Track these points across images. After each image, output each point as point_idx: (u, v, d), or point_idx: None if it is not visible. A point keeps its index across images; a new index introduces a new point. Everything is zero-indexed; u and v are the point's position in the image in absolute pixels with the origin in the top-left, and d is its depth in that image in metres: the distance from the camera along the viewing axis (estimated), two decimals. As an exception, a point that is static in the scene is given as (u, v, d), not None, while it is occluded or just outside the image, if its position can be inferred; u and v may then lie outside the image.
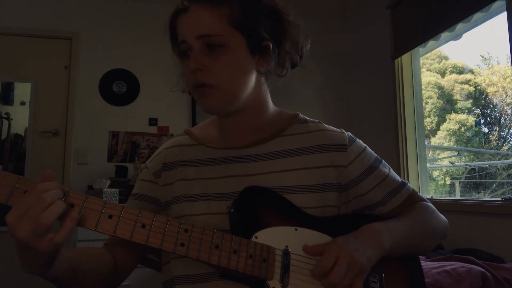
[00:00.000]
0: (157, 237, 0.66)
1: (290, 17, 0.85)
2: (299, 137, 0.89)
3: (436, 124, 3.17)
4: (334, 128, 0.93)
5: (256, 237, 0.73)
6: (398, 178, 0.92)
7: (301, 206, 0.81)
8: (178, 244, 0.67)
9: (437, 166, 3.19)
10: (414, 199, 0.92)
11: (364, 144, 0.92)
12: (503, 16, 2.24)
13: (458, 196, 2.86)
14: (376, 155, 0.93)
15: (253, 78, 0.84)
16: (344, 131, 0.92)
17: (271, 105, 0.92)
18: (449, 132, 3.06)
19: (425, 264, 1.70)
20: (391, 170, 0.93)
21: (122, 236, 0.65)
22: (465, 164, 2.93)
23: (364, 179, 0.88)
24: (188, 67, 0.79)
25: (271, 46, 0.83)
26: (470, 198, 2.63)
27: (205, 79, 0.79)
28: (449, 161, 3.02)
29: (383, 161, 0.93)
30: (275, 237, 0.74)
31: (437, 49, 3.12)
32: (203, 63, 0.78)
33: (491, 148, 2.82)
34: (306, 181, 0.84)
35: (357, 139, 0.92)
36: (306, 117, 0.95)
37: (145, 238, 0.65)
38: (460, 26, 2.59)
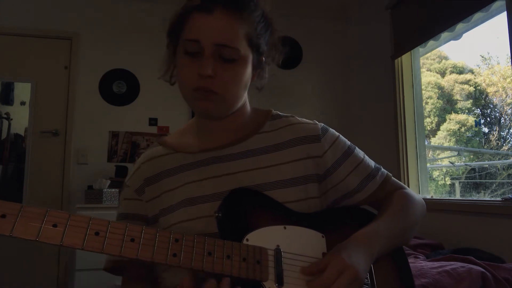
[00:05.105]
0: (148, 250, 0.64)
1: (277, 27, 0.88)
2: (275, 133, 0.90)
3: (436, 124, 3.17)
4: (306, 120, 0.94)
5: (247, 240, 0.73)
6: (372, 163, 0.94)
7: (285, 201, 0.81)
8: (170, 255, 0.65)
9: (437, 166, 3.19)
10: (389, 183, 0.93)
11: (337, 133, 0.94)
12: (503, 16, 2.24)
13: (458, 196, 2.86)
14: (350, 142, 0.94)
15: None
16: (317, 122, 0.93)
17: (248, 105, 0.93)
18: (449, 132, 3.06)
19: (425, 264, 1.70)
20: (366, 156, 0.94)
21: (111, 252, 0.61)
22: (465, 164, 2.93)
23: (340, 166, 0.89)
24: (195, 67, 0.79)
25: (264, 59, 0.86)
26: (470, 198, 2.63)
27: (212, 86, 0.79)
28: (449, 161, 3.02)
29: (357, 148, 0.95)
30: (266, 237, 0.74)
31: (437, 49, 3.12)
32: (215, 71, 0.78)
33: (491, 148, 2.82)
34: (288, 175, 0.85)
35: (330, 129, 0.94)
36: (279, 113, 0.96)
37: (135, 252, 0.63)
38: (460, 26, 2.59)
